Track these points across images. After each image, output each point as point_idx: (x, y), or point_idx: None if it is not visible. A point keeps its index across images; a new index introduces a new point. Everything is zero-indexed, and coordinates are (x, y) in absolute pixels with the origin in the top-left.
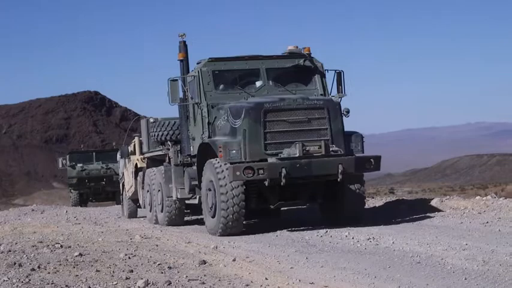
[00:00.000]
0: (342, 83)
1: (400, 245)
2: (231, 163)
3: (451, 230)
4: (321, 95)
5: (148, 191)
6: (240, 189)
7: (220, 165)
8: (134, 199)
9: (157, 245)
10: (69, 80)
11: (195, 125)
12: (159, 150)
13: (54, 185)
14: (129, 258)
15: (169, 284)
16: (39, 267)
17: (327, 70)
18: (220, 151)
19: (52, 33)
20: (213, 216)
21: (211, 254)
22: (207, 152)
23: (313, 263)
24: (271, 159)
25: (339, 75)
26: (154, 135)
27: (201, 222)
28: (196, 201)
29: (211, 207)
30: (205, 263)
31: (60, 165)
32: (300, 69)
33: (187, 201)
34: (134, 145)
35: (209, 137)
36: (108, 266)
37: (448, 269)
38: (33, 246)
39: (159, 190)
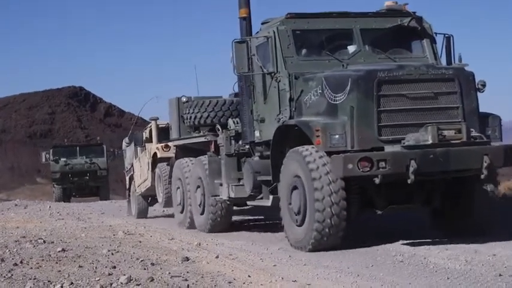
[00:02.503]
0: (452, 51)
1: (383, 243)
2: (329, 152)
3: (434, 229)
4: None
5: (178, 188)
6: (340, 183)
7: (311, 153)
8: (146, 196)
9: (140, 242)
10: (53, 75)
11: (266, 102)
12: (200, 136)
13: (38, 180)
14: (112, 254)
15: (152, 281)
16: (21, 262)
17: (436, 34)
18: (318, 136)
19: (37, 27)
20: (301, 224)
21: (194, 250)
22: (285, 137)
23: (296, 261)
24: (391, 148)
25: (449, 40)
26: (189, 117)
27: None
28: (267, 204)
29: (299, 211)
30: (188, 260)
31: (44, 160)
32: (404, 31)
33: (250, 203)
34: (150, 131)
35: (291, 117)
36: (90, 262)
37: (431, 268)
38: (16, 241)
39: (198, 187)
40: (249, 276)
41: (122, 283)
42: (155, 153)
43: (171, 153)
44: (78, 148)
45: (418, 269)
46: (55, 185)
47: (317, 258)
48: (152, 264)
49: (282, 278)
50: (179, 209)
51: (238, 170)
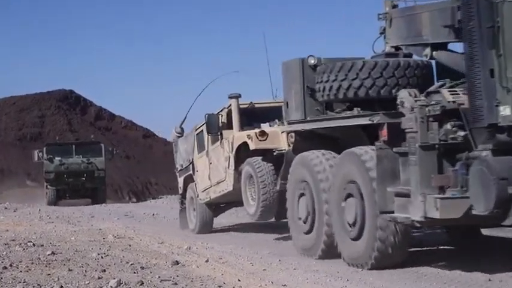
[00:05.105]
0: None
1: None
2: None
3: (428, 234)
4: None
5: (302, 196)
6: None
7: None
8: (210, 204)
9: (130, 245)
10: (44, 78)
11: None
12: (358, 117)
13: (28, 183)
14: (102, 257)
15: (141, 284)
16: (11, 265)
17: None
18: None
19: (27, 30)
20: None
21: (184, 254)
22: None
23: (286, 265)
24: None
25: None
26: (328, 88)
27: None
28: None
29: None
30: (178, 264)
31: (36, 159)
32: None
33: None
34: (229, 113)
35: None
36: (80, 266)
37: (421, 273)
38: (5, 245)
39: (348, 195)
40: (238, 280)
41: (111, 287)
42: (243, 144)
43: (280, 144)
44: (74, 146)
45: (408, 274)
46: (48, 186)
47: (307, 263)
48: (142, 267)
49: (272, 282)
50: (304, 227)
51: (439, 172)
